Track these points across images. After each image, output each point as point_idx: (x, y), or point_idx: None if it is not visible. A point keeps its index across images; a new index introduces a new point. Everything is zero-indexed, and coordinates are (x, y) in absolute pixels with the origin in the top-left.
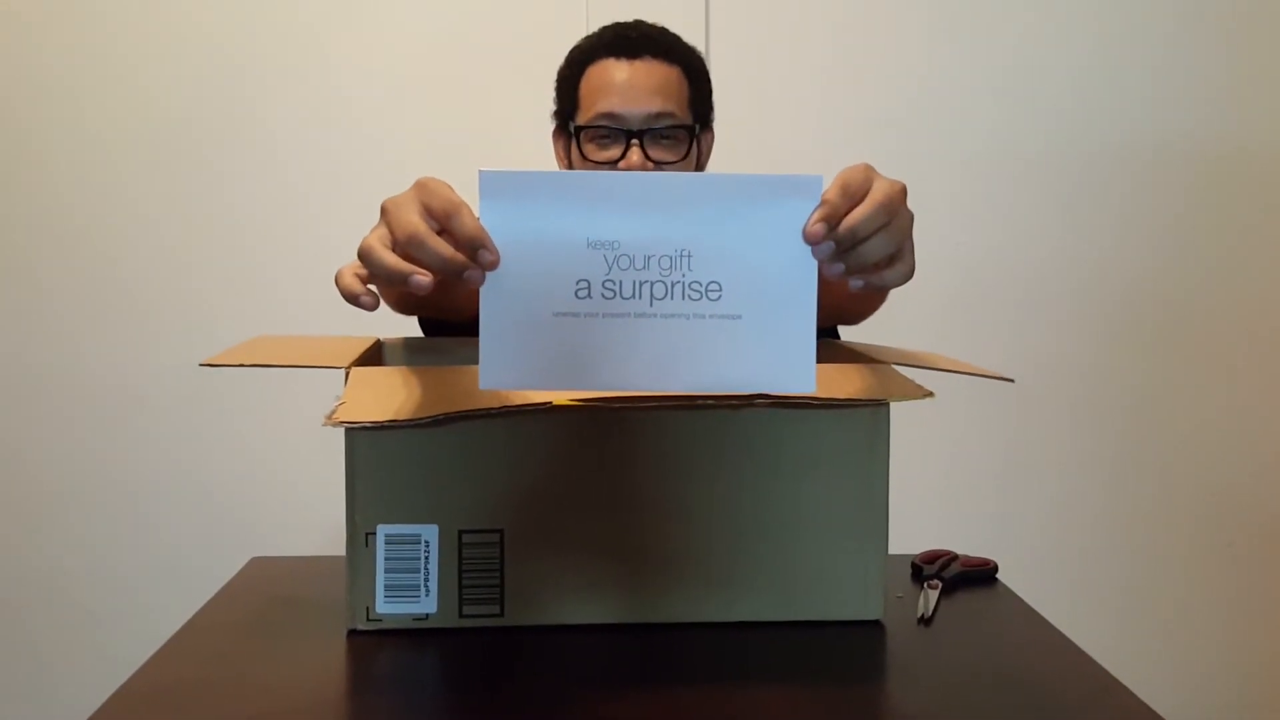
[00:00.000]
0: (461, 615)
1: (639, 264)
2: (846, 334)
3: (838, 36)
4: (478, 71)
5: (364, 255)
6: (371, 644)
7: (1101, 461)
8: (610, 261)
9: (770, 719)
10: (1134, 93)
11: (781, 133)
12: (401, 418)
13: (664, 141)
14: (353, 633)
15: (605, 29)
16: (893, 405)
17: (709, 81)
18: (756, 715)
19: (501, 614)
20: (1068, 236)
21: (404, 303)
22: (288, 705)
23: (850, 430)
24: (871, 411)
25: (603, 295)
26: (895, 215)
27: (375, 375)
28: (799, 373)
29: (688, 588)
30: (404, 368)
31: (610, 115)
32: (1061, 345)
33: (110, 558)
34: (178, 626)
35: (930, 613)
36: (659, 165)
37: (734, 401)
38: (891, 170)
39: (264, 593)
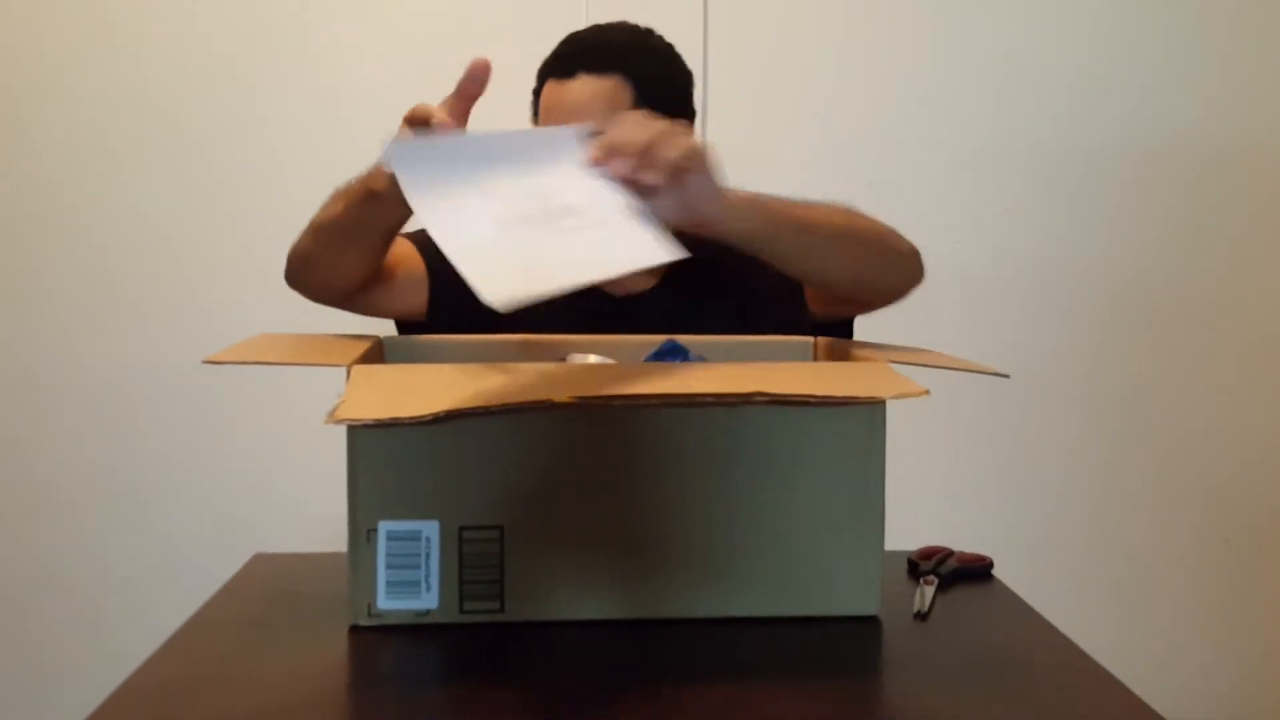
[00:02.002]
0: (462, 611)
1: (535, 194)
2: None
3: (837, 35)
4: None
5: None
6: (373, 640)
7: (1098, 458)
8: (517, 196)
9: (767, 714)
10: (1134, 89)
11: (782, 131)
12: (402, 415)
13: None
14: (354, 628)
15: (557, 45)
16: (889, 402)
17: (670, 79)
18: (754, 710)
19: (502, 610)
20: (1066, 233)
21: (343, 284)
22: (290, 701)
23: (847, 427)
24: (868, 409)
25: (520, 223)
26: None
27: (376, 373)
28: (664, 245)
29: (686, 583)
30: (405, 365)
31: None
32: (1059, 342)
33: (113, 555)
34: (180, 623)
35: (926, 608)
36: None
37: (731, 399)
38: (893, 167)
39: (266, 589)
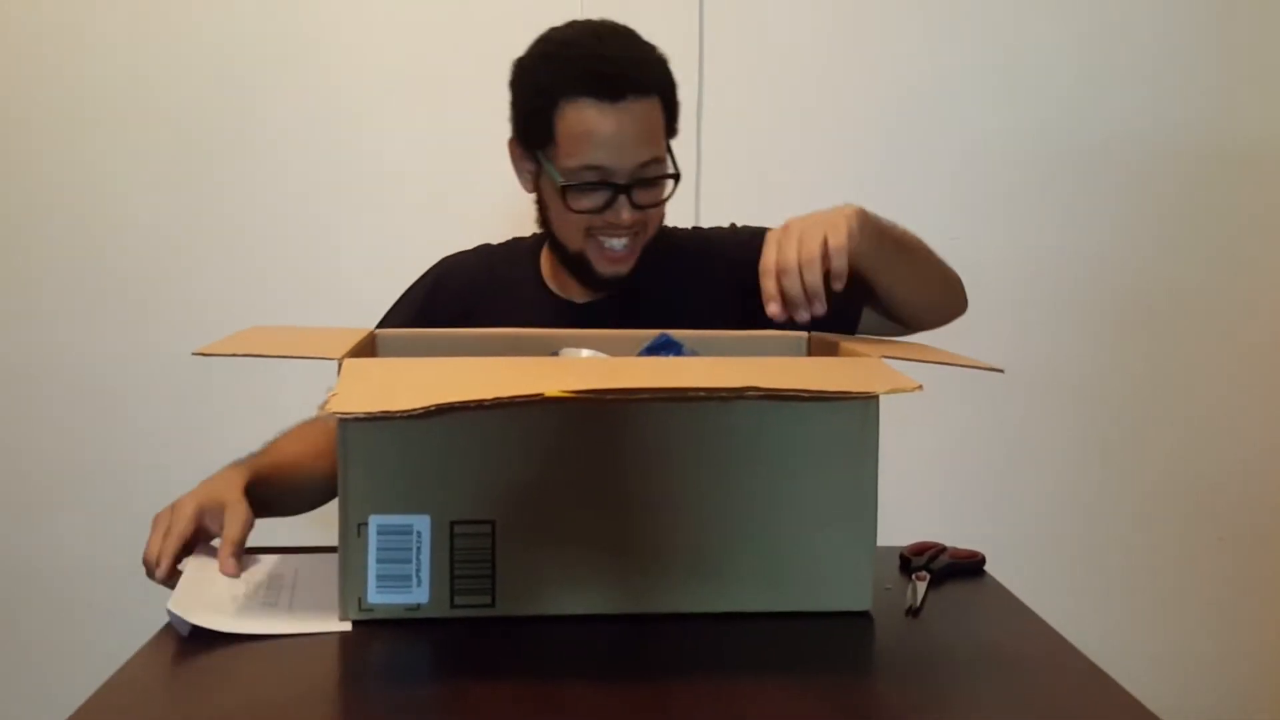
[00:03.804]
0: (453, 605)
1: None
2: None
3: (833, 34)
4: (473, 71)
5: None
6: (363, 634)
7: (1092, 455)
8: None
9: (759, 709)
10: (1129, 87)
11: (777, 130)
12: (394, 409)
13: (651, 188)
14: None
15: (580, 55)
16: (882, 397)
17: (674, 81)
18: (745, 705)
19: (493, 604)
20: (1061, 231)
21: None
22: (280, 695)
23: (840, 422)
24: (861, 404)
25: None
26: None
27: (368, 366)
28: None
29: (678, 578)
30: (397, 359)
31: (597, 168)
32: (1053, 339)
33: (103, 549)
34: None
35: (918, 604)
36: (645, 209)
37: (724, 393)
38: (889, 165)
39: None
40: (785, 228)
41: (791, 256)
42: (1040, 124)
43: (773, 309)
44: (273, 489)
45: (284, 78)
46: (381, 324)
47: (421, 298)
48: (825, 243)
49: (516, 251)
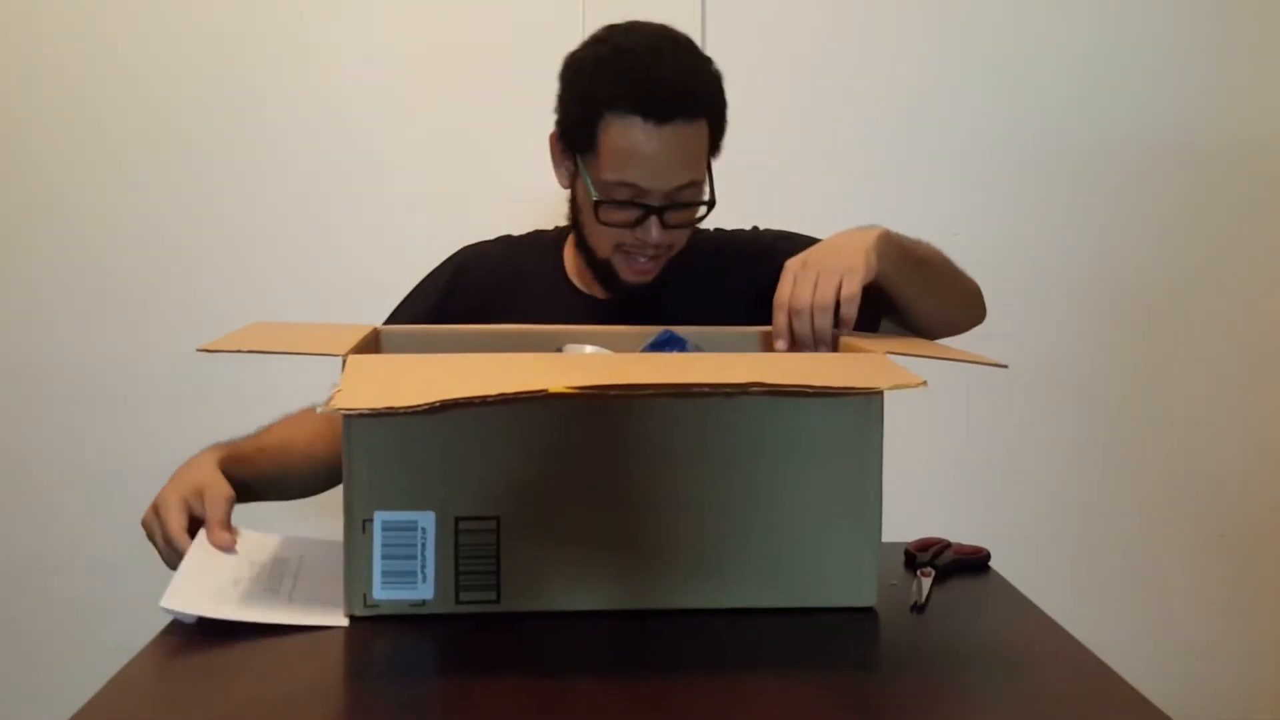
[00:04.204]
0: (458, 601)
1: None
2: None
3: (833, 34)
4: (473, 70)
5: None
6: (369, 630)
7: (1095, 452)
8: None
9: (763, 705)
10: (1130, 85)
11: (777, 130)
12: (399, 405)
13: (684, 210)
14: (350, 618)
15: (634, 69)
16: (886, 393)
17: (724, 101)
18: (750, 701)
19: (498, 600)
20: (1064, 228)
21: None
22: (285, 691)
23: (844, 418)
24: (865, 399)
25: (250, 581)
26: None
27: (372, 363)
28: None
29: (682, 575)
30: (400, 355)
31: (633, 186)
32: (1056, 336)
33: (103, 548)
34: None
35: (923, 600)
36: (674, 230)
37: (728, 389)
38: (891, 161)
39: None
40: (805, 263)
41: (805, 299)
42: (1040, 124)
43: (780, 345)
44: (258, 470)
45: (284, 78)
46: (397, 311)
47: (442, 285)
48: (841, 287)
49: (539, 244)
